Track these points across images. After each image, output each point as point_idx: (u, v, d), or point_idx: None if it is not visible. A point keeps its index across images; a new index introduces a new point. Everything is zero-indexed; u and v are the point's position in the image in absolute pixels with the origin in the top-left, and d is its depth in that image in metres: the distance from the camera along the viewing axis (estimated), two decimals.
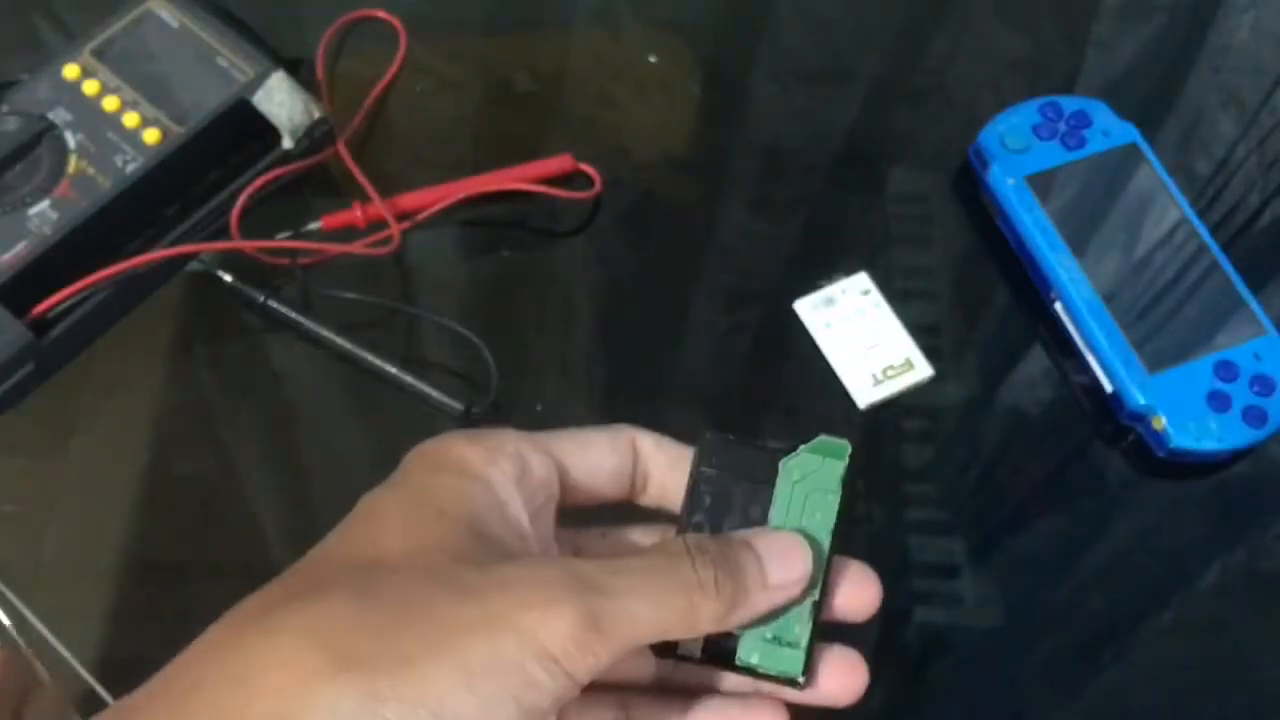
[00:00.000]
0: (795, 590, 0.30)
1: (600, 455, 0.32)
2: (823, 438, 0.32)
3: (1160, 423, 0.52)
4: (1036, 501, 0.54)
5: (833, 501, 0.31)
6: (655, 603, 0.27)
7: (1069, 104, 0.59)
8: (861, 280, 0.57)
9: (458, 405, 0.52)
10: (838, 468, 0.31)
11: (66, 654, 0.47)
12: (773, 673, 0.30)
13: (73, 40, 0.56)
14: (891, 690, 0.50)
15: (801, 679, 0.30)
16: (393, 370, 0.53)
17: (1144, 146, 0.58)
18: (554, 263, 0.59)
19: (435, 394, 0.52)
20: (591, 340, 0.57)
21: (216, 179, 0.56)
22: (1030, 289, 0.57)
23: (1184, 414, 0.52)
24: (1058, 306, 0.55)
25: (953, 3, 0.67)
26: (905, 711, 0.51)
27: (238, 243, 0.54)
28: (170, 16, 0.57)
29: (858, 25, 0.66)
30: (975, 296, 0.58)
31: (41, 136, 0.53)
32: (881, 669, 0.51)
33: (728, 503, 0.31)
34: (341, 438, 0.54)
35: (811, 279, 0.57)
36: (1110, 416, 0.54)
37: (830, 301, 0.56)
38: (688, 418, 0.54)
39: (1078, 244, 0.55)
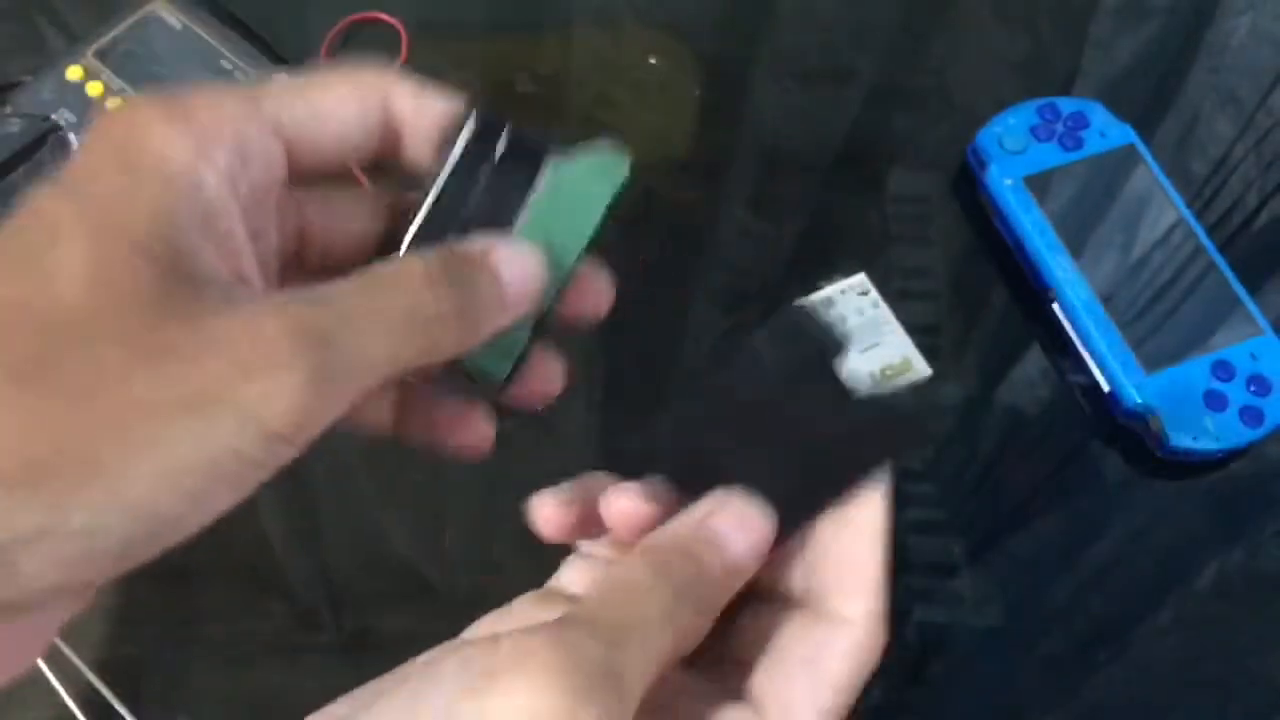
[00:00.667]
0: (527, 307, 0.26)
1: (334, 107, 0.26)
2: (603, 144, 0.28)
3: (1157, 422, 0.52)
4: (1035, 501, 0.54)
5: (593, 216, 0.28)
6: (392, 342, 0.23)
7: (1067, 105, 0.59)
8: (861, 280, 0.57)
9: None
10: (610, 185, 0.28)
11: (69, 652, 0.47)
12: (479, 374, 0.27)
13: (76, 42, 0.56)
14: (891, 689, 0.50)
15: (505, 381, 0.27)
16: None
17: (1141, 147, 0.58)
18: None
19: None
20: (592, 340, 0.57)
21: None
22: (1028, 289, 0.57)
23: (1181, 414, 0.52)
24: (1055, 307, 0.55)
25: (952, 3, 0.67)
26: (905, 710, 0.51)
27: None
28: (173, 18, 0.57)
29: (858, 25, 0.66)
30: (973, 297, 0.58)
31: (45, 138, 0.54)
32: (882, 669, 0.51)
33: (477, 196, 0.27)
34: (341, 438, 0.55)
35: (811, 279, 0.57)
36: (1107, 416, 0.54)
37: (829, 302, 0.56)
38: None
39: (1075, 244, 0.56)
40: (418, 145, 0.27)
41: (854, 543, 0.26)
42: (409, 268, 0.24)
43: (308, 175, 0.27)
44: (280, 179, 0.26)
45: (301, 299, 0.23)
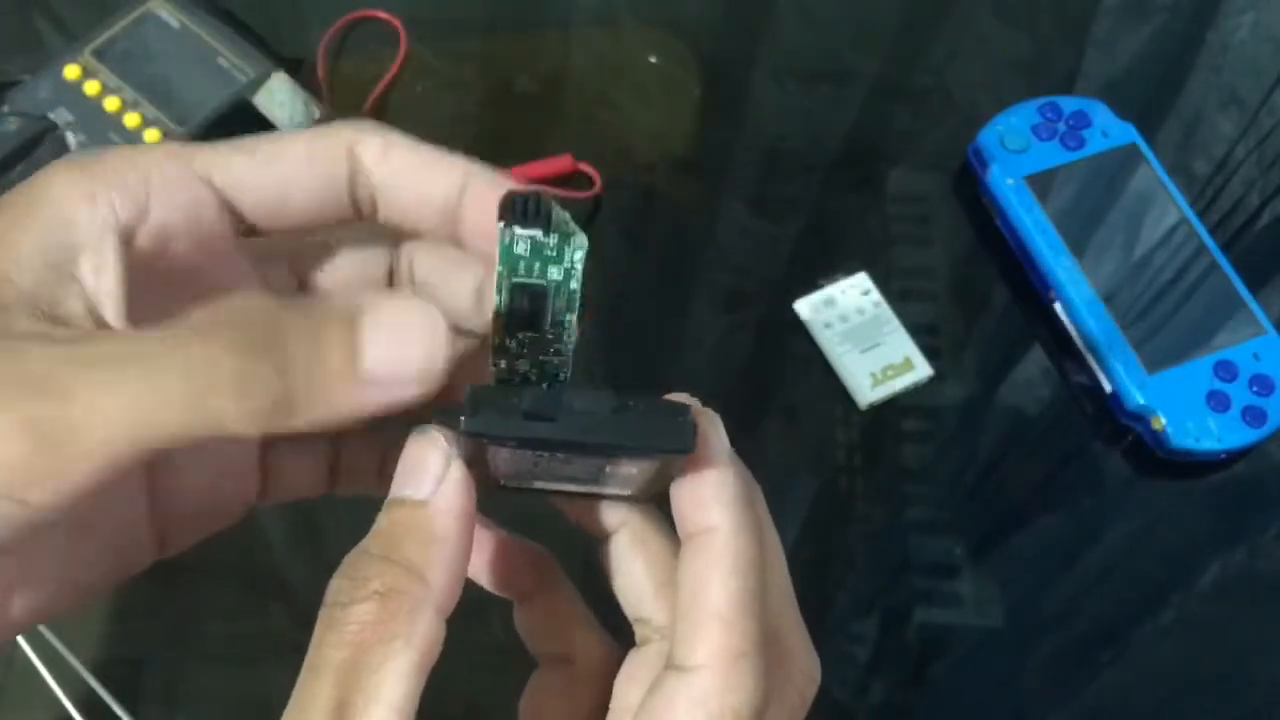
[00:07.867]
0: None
1: (294, 170, 0.24)
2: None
3: (1159, 423, 0.52)
4: (1036, 501, 0.54)
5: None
6: (138, 400, 0.20)
7: (1068, 104, 0.59)
8: (861, 280, 0.57)
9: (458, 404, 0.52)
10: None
11: (66, 653, 0.47)
12: None
13: (73, 41, 0.56)
14: (891, 690, 0.50)
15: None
16: None
17: (1143, 147, 0.58)
18: None
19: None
20: (592, 340, 0.57)
21: None
22: (1029, 289, 0.57)
23: (1183, 414, 0.52)
24: (1057, 306, 0.55)
25: (953, 3, 0.67)
26: (905, 711, 0.51)
27: None
28: (171, 17, 0.57)
29: (858, 25, 0.66)
30: (975, 296, 0.58)
31: (42, 137, 0.53)
32: (882, 669, 0.51)
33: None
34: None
35: (811, 279, 0.57)
36: (1109, 417, 0.54)
37: (830, 301, 0.56)
38: None
39: (1077, 244, 0.56)
40: (398, 201, 0.25)
41: (696, 571, 0.23)
42: (208, 315, 0.21)
43: (280, 232, 0.25)
44: (215, 231, 0.24)
45: (45, 348, 0.20)
